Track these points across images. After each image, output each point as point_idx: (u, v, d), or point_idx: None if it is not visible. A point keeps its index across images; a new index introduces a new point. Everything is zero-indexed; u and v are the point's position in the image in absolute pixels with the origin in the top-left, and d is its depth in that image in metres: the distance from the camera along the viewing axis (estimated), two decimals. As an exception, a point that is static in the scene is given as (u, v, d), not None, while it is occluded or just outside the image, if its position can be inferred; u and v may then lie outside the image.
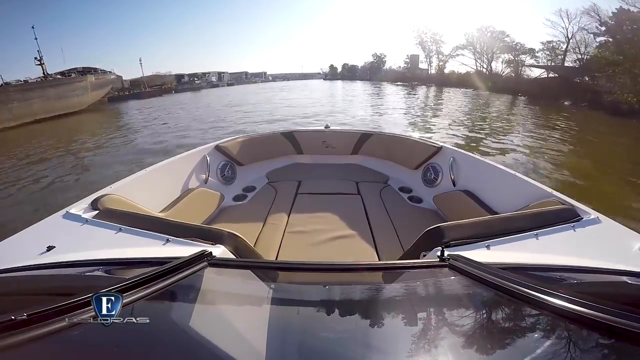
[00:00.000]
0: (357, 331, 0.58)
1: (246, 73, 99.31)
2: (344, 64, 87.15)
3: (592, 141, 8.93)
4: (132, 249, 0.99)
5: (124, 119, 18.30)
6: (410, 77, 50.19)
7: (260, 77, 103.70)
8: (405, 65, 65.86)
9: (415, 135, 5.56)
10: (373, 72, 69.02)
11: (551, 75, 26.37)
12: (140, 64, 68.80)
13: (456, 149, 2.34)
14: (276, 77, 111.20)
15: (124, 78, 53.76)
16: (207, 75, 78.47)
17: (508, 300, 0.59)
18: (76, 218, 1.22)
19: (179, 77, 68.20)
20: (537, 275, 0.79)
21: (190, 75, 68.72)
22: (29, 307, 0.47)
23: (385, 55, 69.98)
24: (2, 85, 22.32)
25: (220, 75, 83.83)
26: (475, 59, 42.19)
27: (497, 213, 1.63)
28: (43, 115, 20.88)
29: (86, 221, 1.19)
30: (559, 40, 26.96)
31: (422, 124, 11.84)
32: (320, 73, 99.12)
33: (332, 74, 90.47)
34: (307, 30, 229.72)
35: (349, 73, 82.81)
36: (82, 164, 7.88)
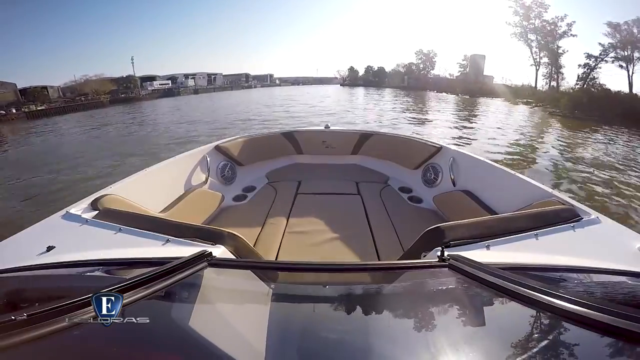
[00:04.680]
0: (357, 331, 0.59)
1: (247, 75, 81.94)
2: (367, 67, 67.49)
3: None
4: (132, 249, 0.98)
5: None
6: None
7: (265, 81, 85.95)
8: (462, 70, 44.64)
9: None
10: (415, 79, 48.15)
11: None
12: (132, 63, 53.30)
13: (456, 149, 2.31)
14: (285, 81, 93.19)
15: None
16: (188, 77, 60.64)
17: (508, 301, 0.59)
18: (76, 218, 1.21)
19: (146, 79, 50.92)
20: (537, 276, 0.78)
21: (144, 78, 51.30)
22: (29, 307, 0.47)
23: (435, 54, 49.13)
24: None
25: (210, 77, 66.78)
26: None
27: (497, 213, 1.62)
28: None
29: (86, 221, 1.18)
30: None
31: None
32: (337, 77, 79.75)
33: (351, 79, 70.91)
34: (325, 31, 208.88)
35: (375, 78, 62.81)
36: None
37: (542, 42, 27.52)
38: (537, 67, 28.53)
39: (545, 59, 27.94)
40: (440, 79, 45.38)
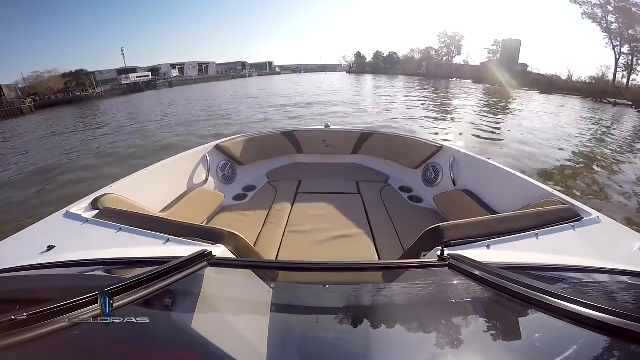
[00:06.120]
0: (358, 330, 0.59)
1: (243, 63, 74.81)
2: (376, 52, 59.78)
3: None
4: (132, 249, 0.99)
5: None
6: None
7: (263, 69, 78.70)
8: (491, 56, 37.49)
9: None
10: (436, 65, 40.63)
11: None
12: (122, 55, 46.87)
13: (456, 148, 2.29)
14: (286, 69, 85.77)
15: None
16: (175, 67, 54.09)
17: (508, 300, 0.59)
18: (76, 217, 1.21)
19: (124, 71, 44.90)
20: (537, 275, 0.78)
21: (122, 70, 44.74)
22: (29, 307, 0.46)
23: (462, 37, 41.02)
24: None
25: (202, 66, 59.78)
26: None
27: (497, 213, 1.61)
28: None
29: (86, 221, 1.18)
30: None
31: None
32: (342, 64, 72.00)
33: (359, 65, 63.33)
34: (330, 18, 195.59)
35: (385, 65, 55.23)
36: None
37: (623, 25, 20.07)
38: (618, 57, 21.09)
39: (626, 47, 20.50)
40: (469, 66, 37.92)
